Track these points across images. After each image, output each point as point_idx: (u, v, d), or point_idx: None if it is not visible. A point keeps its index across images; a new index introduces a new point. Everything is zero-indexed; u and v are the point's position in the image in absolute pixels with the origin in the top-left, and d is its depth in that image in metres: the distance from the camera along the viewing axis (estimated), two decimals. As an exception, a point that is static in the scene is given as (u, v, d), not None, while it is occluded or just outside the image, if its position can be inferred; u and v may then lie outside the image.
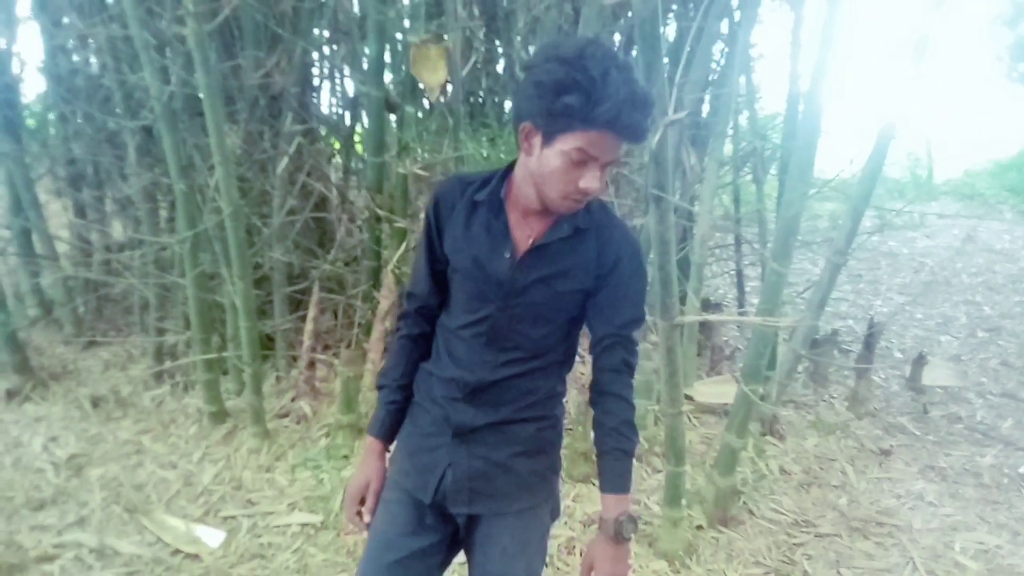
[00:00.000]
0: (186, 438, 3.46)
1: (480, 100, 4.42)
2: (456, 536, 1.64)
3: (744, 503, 3.26)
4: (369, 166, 3.58)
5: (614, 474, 1.53)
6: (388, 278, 3.56)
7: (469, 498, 1.56)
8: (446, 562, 1.66)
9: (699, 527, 3.07)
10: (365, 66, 3.54)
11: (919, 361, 4.65)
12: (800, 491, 3.45)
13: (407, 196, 3.61)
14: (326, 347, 3.89)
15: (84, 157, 4.14)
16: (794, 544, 3.06)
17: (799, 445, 3.81)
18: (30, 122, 4.54)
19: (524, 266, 1.49)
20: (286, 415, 3.61)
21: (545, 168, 1.38)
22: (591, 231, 1.50)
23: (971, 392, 4.70)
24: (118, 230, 4.34)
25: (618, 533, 1.49)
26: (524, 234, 1.50)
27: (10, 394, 3.69)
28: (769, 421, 3.85)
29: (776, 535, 3.10)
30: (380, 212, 3.53)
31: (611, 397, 1.53)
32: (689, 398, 3.95)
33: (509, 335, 1.52)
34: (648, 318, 2.31)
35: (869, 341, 4.32)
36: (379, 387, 1.67)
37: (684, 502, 2.88)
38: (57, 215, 4.55)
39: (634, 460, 1.55)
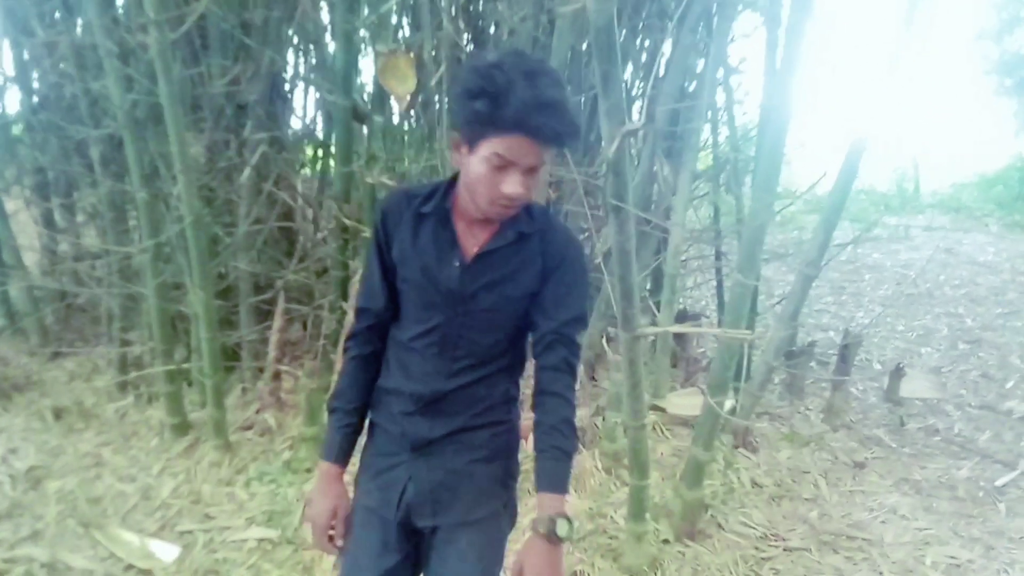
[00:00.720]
0: (147, 450, 3.40)
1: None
2: (420, 553, 1.65)
3: (713, 516, 3.21)
4: (336, 175, 3.55)
5: (550, 473, 1.50)
6: (356, 289, 3.52)
7: (432, 510, 1.59)
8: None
9: (665, 541, 3.01)
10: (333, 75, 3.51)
11: (897, 373, 4.62)
12: (771, 504, 3.40)
13: (375, 206, 3.58)
14: (295, 358, 3.84)
15: (52, 167, 4.10)
16: (762, 558, 3.01)
17: (772, 457, 3.77)
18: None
19: (472, 273, 1.51)
20: (250, 427, 3.55)
21: (472, 175, 1.42)
22: (535, 235, 1.53)
23: (950, 404, 4.66)
24: (89, 239, 4.29)
25: (550, 532, 1.44)
26: (471, 243, 1.53)
27: (-30, 406, 3.63)
28: (741, 433, 3.81)
29: (744, 549, 3.05)
30: (347, 222, 3.50)
31: (551, 396, 1.52)
32: (661, 409, 3.91)
33: (460, 343, 1.54)
34: (611, 330, 2.27)
35: (844, 352, 4.29)
36: (331, 410, 1.66)
37: (648, 516, 2.83)
38: (28, 225, 4.49)
39: (574, 463, 1.54)
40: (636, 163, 4.59)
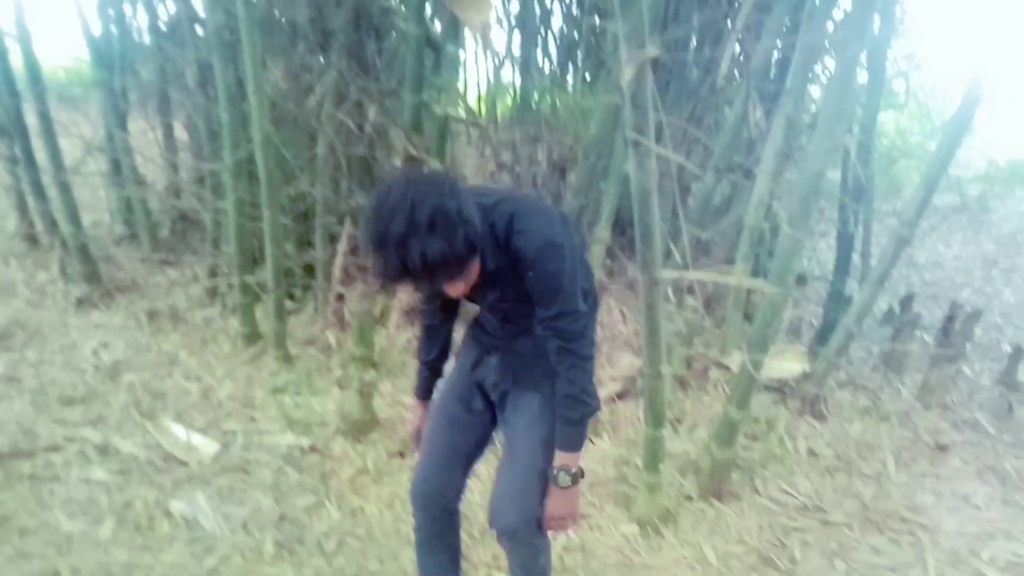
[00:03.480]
0: (219, 356, 3.64)
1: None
2: (493, 419, 2.03)
3: (750, 479, 3.06)
4: (407, 105, 3.57)
5: (558, 433, 1.83)
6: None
7: (513, 378, 1.94)
8: (486, 436, 2.04)
9: (688, 497, 2.91)
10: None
11: (1018, 354, 4.16)
12: (823, 476, 3.19)
13: (445, 138, 3.58)
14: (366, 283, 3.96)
15: (166, 87, 4.40)
16: (793, 528, 2.84)
17: (841, 428, 3.52)
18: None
19: (480, 295, 1.81)
20: (313, 343, 3.72)
21: None
22: (502, 248, 1.67)
23: (1075, 396, 4.16)
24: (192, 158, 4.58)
25: (554, 481, 1.82)
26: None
27: (80, 302, 4.01)
28: (810, 400, 3.57)
29: (775, 516, 2.89)
30: (415, 152, 3.52)
31: (559, 376, 1.79)
32: (726, 367, 3.73)
33: (504, 315, 1.91)
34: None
35: (948, 326, 3.90)
36: (419, 362, 2.12)
37: (664, 467, 2.73)
38: (150, 145, 4.85)
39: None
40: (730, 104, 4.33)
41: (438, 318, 2.04)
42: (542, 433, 1.87)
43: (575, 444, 1.82)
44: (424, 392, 2.14)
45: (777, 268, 2.67)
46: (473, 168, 4.47)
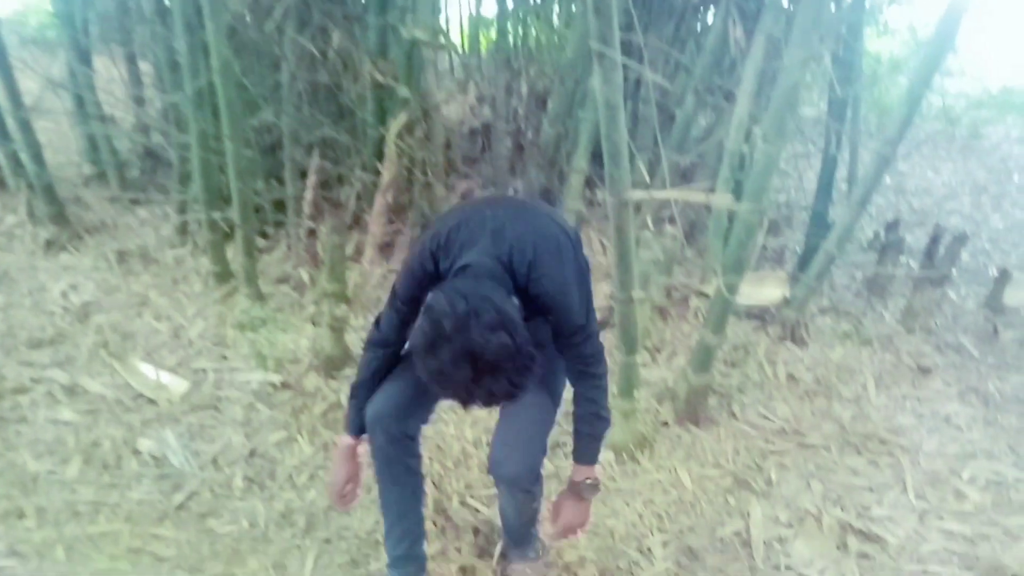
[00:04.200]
0: (190, 295, 3.57)
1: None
2: None
3: (728, 405, 3.03)
4: (372, 29, 3.44)
5: (583, 450, 1.89)
6: (389, 149, 3.46)
7: None
8: None
9: (664, 423, 2.88)
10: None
11: (1003, 278, 4.11)
12: (802, 400, 3.16)
13: (413, 64, 3.46)
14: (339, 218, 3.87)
15: (127, 19, 4.24)
16: (770, 451, 2.82)
17: (821, 353, 3.49)
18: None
19: None
20: (286, 280, 3.65)
21: None
22: (520, 289, 1.68)
23: (1060, 318, 4.13)
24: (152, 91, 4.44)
25: (582, 493, 1.92)
26: None
27: (49, 244, 3.91)
28: (791, 325, 3.53)
29: (752, 440, 2.87)
30: (381, 79, 3.41)
31: (578, 395, 1.85)
32: (706, 296, 3.67)
33: None
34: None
35: (931, 248, 3.84)
36: (353, 396, 1.93)
37: (639, 394, 2.69)
38: (115, 82, 4.69)
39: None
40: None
41: (388, 364, 1.91)
42: (546, 390, 1.90)
43: (596, 458, 1.91)
44: (358, 428, 1.91)
45: (752, 185, 2.59)
46: (447, 98, 4.35)
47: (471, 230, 1.67)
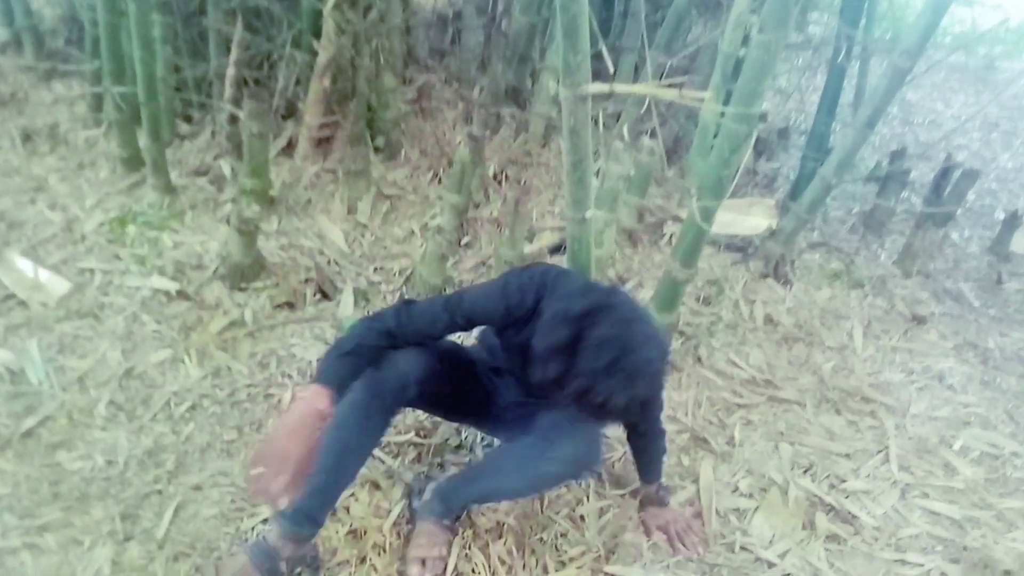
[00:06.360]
0: (93, 182, 3.10)
1: None
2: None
3: (695, 348, 2.64)
4: None
5: (656, 468, 1.97)
6: (327, 23, 2.95)
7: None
8: None
9: (618, 367, 2.49)
10: None
11: (1011, 221, 3.70)
12: (779, 346, 2.78)
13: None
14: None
15: None
16: (736, 404, 2.45)
17: (806, 294, 3.09)
18: None
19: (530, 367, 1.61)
20: (205, 173, 3.18)
21: None
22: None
23: (1071, 268, 3.74)
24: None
25: (660, 501, 1.98)
26: None
27: (-61, 115, 3.42)
28: (775, 260, 3.12)
29: (717, 390, 2.49)
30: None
31: (647, 452, 1.96)
32: (680, 220, 3.24)
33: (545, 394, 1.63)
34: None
35: (939, 182, 3.40)
36: (343, 352, 1.59)
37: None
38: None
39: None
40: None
41: (382, 355, 1.65)
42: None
43: (662, 472, 2.01)
44: (336, 378, 1.55)
45: (742, 87, 2.13)
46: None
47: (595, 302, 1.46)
